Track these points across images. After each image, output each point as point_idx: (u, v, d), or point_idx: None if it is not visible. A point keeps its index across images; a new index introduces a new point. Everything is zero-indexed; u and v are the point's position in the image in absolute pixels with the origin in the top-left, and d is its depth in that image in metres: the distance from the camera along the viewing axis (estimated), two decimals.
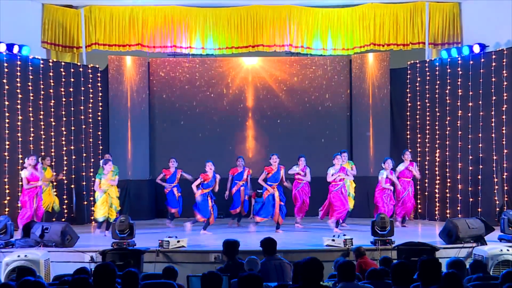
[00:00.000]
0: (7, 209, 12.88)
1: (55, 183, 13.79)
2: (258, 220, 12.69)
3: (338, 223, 12.60)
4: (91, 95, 15.02)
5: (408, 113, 15.21)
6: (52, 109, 14.15)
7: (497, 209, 12.99)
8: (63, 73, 14.44)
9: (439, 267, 5.59)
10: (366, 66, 15.90)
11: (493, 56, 13.40)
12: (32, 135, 13.62)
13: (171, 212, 13.75)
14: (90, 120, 14.99)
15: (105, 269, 5.50)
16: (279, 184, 12.64)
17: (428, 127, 14.75)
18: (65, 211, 14.27)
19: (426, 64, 14.86)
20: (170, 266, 6.91)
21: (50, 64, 14.27)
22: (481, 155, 13.52)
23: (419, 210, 14.87)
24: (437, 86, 14.54)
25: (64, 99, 14.41)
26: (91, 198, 14.78)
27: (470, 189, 13.68)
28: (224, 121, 16.31)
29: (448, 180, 14.21)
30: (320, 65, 16.31)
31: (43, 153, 13.58)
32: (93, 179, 14.76)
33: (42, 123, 13.88)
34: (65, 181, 14.22)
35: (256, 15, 15.45)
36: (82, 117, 14.79)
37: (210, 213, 12.40)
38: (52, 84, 14.15)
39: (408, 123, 15.20)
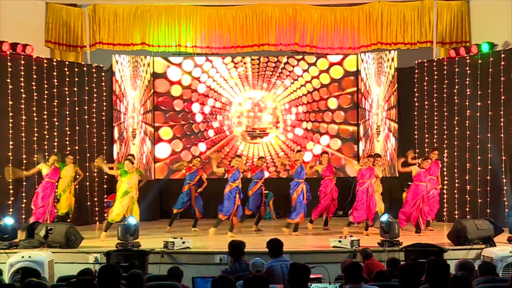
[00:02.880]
0: (11, 210, 12.91)
1: (76, 183, 13.69)
2: (291, 221, 12.34)
3: (367, 225, 12.27)
4: (95, 95, 15.03)
5: (415, 113, 15.17)
6: (56, 109, 14.17)
7: (506, 210, 12.95)
8: (67, 73, 14.46)
9: (447, 269, 5.59)
10: (373, 65, 15.91)
11: (502, 55, 13.36)
12: (35, 135, 13.64)
13: (174, 213, 13.39)
14: (94, 120, 15.01)
15: (110, 270, 5.51)
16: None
17: (436, 127, 14.71)
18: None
19: (434, 63, 14.83)
20: (175, 267, 6.91)
21: (54, 63, 14.29)
22: (489, 155, 13.48)
23: None
24: (445, 86, 14.51)
25: (68, 99, 14.43)
26: (95, 199, 14.84)
27: (478, 190, 13.65)
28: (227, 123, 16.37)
29: (457, 180, 14.18)
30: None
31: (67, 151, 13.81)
32: (97, 179, 14.82)
33: (45, 123, 13.90)
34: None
35: (261, 13, 15.46)
36: (86, 117, 14.81)
37: (233, 209, 12.14)
38: (56, 83, 14.18)
39: (416, 123, 15.17)
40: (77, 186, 13.99)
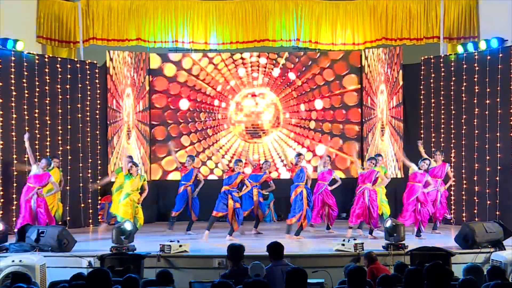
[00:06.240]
0: (1, 212, 12.91)
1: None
2: (288, 222, 12.34)
3: (372, 229, 12.36)
4: (88, 92, 15.02)
5: (421, 111, 15.17)
6: (48, 107, 14.16)
7: None
8: (60, 69, 14.44)
9: (447, 274, 5.53)
10: (377, 61, 15.91)
11: None
12: None
13: (172, 215, 13.32)
14: (88, 118, 14.99)
15: (99, 275, 5.51)
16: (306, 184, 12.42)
17: (442, 125, 14.71)
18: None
19: (441, 60, 14.83)
20: (164, 270, 6.81)
21: (46, 59, 14.28)
22: (499, 155, 13.48)
23: None
24: (452, 83, 14.50)
25: (60, 97, 14.42)
26: (89, 201, 14.82)
27: (487, 191, 13.64)
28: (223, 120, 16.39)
29: (464, 181, 14.17)
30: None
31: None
32: (90, 180, 14.79)
33: (37, 121, 13.89)
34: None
35: (261, 8, 15.47)
36: (79, 115, 14.79)
37: (224, 209, 12.13)
38: (47, 80, 14.17)
39: (422, 121, 15.16)
40: (68, 188, 14.02)
